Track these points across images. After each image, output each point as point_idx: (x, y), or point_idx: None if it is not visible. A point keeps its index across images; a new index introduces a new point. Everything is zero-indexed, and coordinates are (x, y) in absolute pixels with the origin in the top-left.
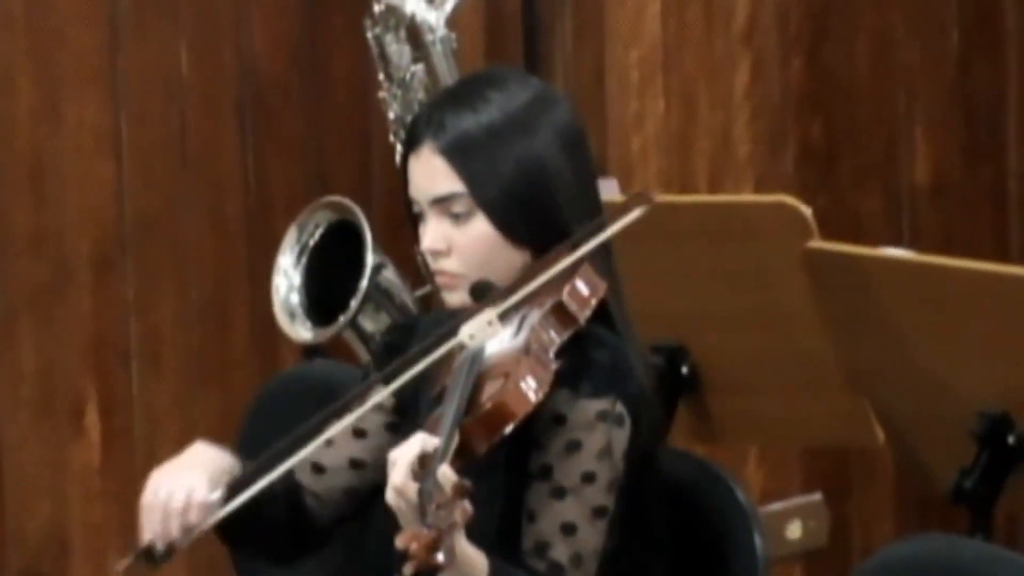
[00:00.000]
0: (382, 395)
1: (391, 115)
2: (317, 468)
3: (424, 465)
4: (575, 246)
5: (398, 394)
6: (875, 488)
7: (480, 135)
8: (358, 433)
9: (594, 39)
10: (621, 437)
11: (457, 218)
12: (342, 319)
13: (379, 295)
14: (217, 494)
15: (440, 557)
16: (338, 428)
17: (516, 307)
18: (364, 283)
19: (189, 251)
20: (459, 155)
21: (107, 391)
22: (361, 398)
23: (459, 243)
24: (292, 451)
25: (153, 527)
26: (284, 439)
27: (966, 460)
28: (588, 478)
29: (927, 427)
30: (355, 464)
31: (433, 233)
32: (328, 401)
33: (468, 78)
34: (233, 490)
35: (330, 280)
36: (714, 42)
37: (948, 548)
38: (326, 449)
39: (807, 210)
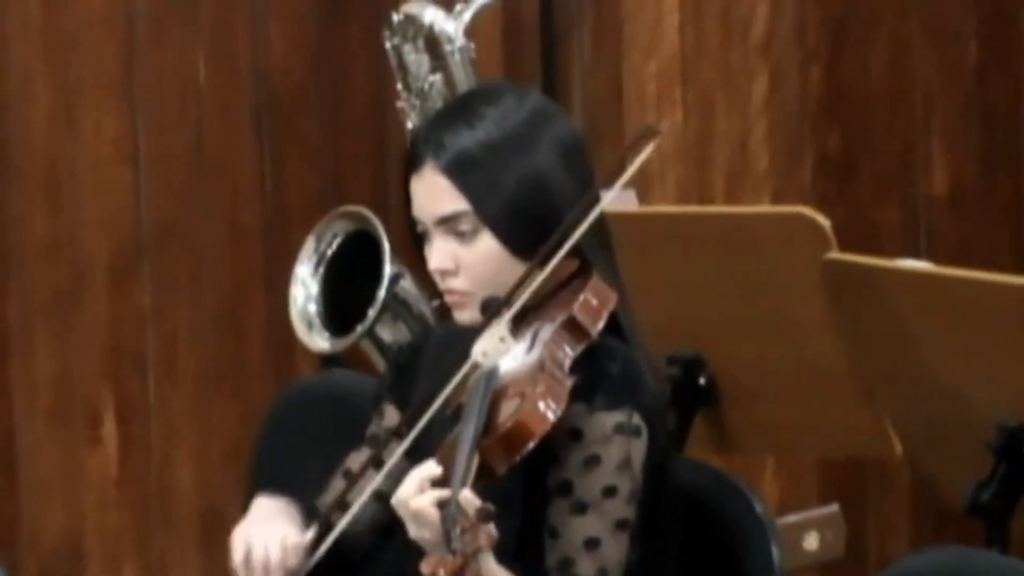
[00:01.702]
0: (413, 435)
1: (409, 125)
2: (344, 508)
3: (444, 495)
4: (564, 236)
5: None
6: (892, 500)
7: (480, 152)
8: (377, 465)
9: (612, 50)
10: (639, 448)
11: (463, 236)
12: (359, 329)
13: (397, 305)
14: (309, 534)
15: None
16: (390, 465)
17: (528, 323)
18: (382, 293)
19: (206, 259)
20: (461, 173)
21: (123, 398)
22: (391, 439)
23: (466, 261)
24: (352, 488)
25: None
26: (343, 478)
27: (983, 472)
28: (609, 492)
29: (944, 439)
30: (378, 497)
31: (440, 252)
32: (344, 411)
33: (463, 96)
34: (322, 528)
35: (348, 290)
36: (731, 53)
37: (964, 561)
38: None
39: (825, 221)
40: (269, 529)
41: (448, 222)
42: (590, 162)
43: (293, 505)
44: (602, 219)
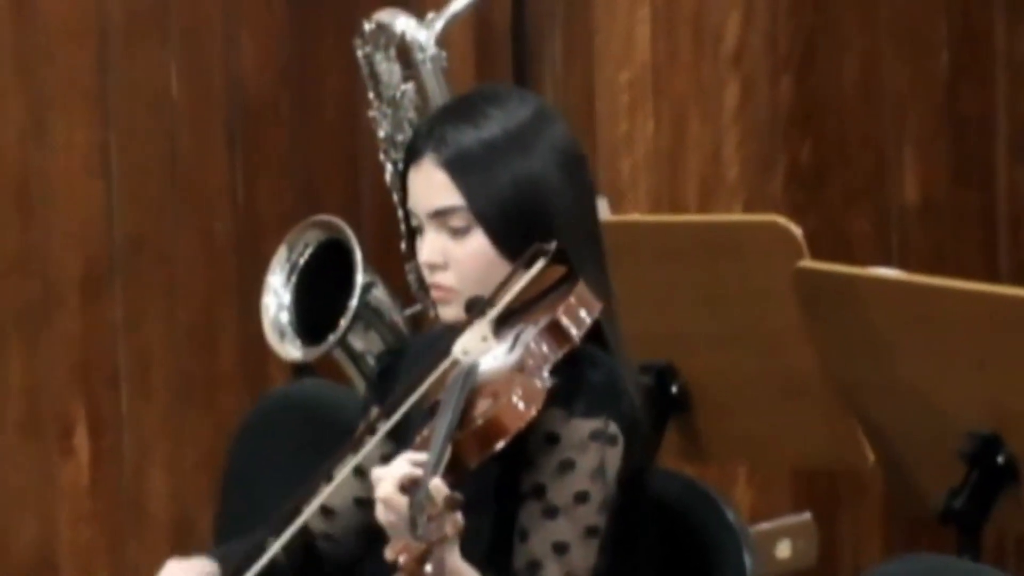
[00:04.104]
0: (384, 429)
1: (381, 134)
2: (326, 511)
3: (416, 478)
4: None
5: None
6: (864, 508)
7: (481, 150)
8: (358, 472)
9: (584, 60)
10: (614, 457)
11: (455, 232)
12: (332, 338)
13: (369, 314)
14: None
15: (429, 568)
16: (352, 464)
17: (511, 324)
18: (354, 302)
19: (178, 271)
20: (460, 169)
21: (96, 411)
22: (366, 434)
23: (456, 257)
24: (312, 493)
25: None
26: (305, 482)
27: (955, 480)
28: (581, 498)
29: (917, 447)
30: (360, 503)
31: (431, 246)
32: (317, 421)
33: (469, 94)
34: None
35: (320, 299)
36: (703, 63)
37: (937, 569)
38: (332, 491)
39: (797, 230)
40: None
41: (441, 216)
42: (588, 170)
43: (206, 563)
44: (595, 226)
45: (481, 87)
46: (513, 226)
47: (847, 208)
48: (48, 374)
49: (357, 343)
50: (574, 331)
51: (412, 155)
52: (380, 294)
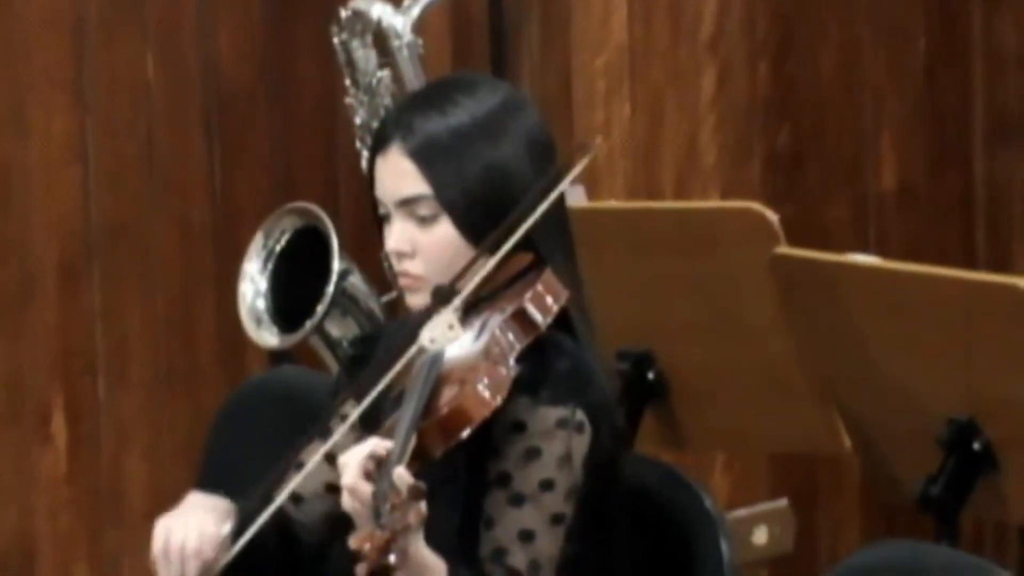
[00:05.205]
0: (354, 416)
1: (357, 121)
2: (295, 498)
3: (380, 466)
4: (516, 224)
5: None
6: (842, 495)
7: (447, 139)
8: (329, 458)
9: (561, 46)
10: (581, 445)
11: (423, 220)
12: (308, 325)
13: (346, 301)
14: (227, 527)
15: (392, 558)
16: (323, 451)
17: (478, 312)
18: (330, 289)
19: (156, 259)
20: (426, 158)
21: (74, 399)
22: (336, 419)
23: (423, 245)
24: (283, 480)
25: (172, 574)
26: (273, 469)
27: (933, 467)
28: (547, 485)
29: (894, 434)
30: (332, 489)
31: (398, 234)
32: (294, 407)
33: (438, 81)
34: (241, 522)
35: (296, 286)
36: (680, 49)
37: (914, 555)
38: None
39: (774, 216)
40: (189, 518)
41: (408, 204)
42: (556, 158)
43: (225, 502)
44: (562, 214)
45: (451, 74)
46: (480, 214)
47: (825, 195)
48: (26, 362)
49: (334, 330)
50: (540, 319)
51: (379, 143)
52: (357, 281)
